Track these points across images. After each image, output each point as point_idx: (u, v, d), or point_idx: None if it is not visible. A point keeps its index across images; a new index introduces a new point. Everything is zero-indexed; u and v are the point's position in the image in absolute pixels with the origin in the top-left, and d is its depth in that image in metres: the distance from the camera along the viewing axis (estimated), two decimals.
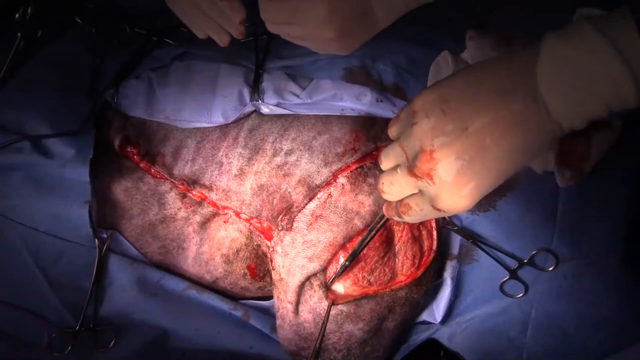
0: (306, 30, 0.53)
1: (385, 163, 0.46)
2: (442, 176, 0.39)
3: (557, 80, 0.37)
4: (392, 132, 0.45)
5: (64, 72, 0.70)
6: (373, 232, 0.59)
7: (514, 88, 0.39)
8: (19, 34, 0.68)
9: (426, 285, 0.63)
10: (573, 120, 0.38)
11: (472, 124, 0.39)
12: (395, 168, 0.44)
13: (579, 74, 0.37)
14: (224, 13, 0.56)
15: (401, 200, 0.45)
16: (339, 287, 0.61)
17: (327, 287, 0.60)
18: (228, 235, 0.66)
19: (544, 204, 0.59)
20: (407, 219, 0.46)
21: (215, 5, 0.55)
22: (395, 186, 0.44)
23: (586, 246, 0.58)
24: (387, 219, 0.58)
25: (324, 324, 0.60)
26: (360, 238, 0.60)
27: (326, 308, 0.60)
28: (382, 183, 0.45)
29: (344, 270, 0.60)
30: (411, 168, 0.41)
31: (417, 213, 0.44)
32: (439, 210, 0.41)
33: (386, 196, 0.46)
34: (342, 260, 0.60)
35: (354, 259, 0.60)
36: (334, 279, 0.60)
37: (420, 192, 0.43)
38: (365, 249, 0.60)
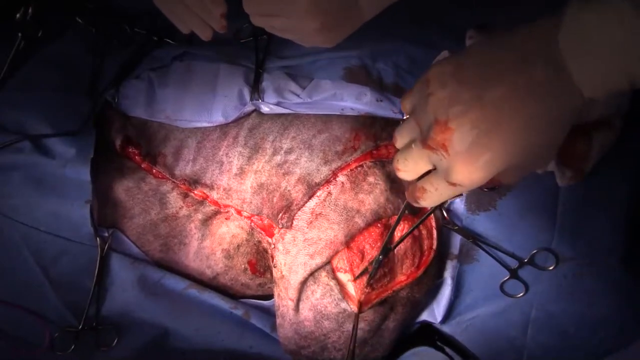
0: (290, 22, 0.53)
1: (400, 140, 0.44)
2: (457, 146, 0.37)
3: (581, 48, 0.35)
4: (406, 106, 0.43)
5: (64, 72, 0.70)
6: (402, 213, 0.57)
7: (535, 55, 0.37)
8: (19, 34, 0.68)
9: (427, 284, 0.63)
10: (595, 88, 0.36)
11: (489, 92, 0.37)
12: (410, 144, 0.42)
13: (604, 43, 0.34)
14: (206, 7, 0.56)
15: (416, 185, 0.43)
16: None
17: (358, 297, 0.60)
18: (229, 231, 0.67)
19: (544, 203, 0.59)
20: (424, 203, 0.43)
21: (198, 0, 0.56)
22: (410, 161, 0.42)
23: (586, 246, 0.58)
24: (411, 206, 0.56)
25: (354, 334, 0.59)
26: (386, 232, 0.59)
27: (330, 306, 0.60)
28: (397, 160, 0.43)
29: (379, 265, 0.59)
30: (425, 140, 0.39)
31: (433, 194, 0.42)
32: (454, 184, 0.39)
33: (401, 174, 0.44)
34: (350, 259, 0.60)
35: (388, 253, 0.59)
36: (371, 276, 0.59)
37: (435, 169, 0.41)
38: (370, 248, 0.60)
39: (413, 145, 0.42)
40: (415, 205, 0.45)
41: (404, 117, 0.65)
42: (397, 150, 0.45)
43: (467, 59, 0.39)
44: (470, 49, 0.40)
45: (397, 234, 0.62)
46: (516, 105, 0.37)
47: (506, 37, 0.39)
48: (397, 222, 0.58)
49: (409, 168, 0.43)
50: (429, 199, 0.43)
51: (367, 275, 0.59)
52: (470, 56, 0.39)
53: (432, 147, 0.39)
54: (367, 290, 0.60)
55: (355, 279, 0.60)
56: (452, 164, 0.38)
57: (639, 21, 0.33)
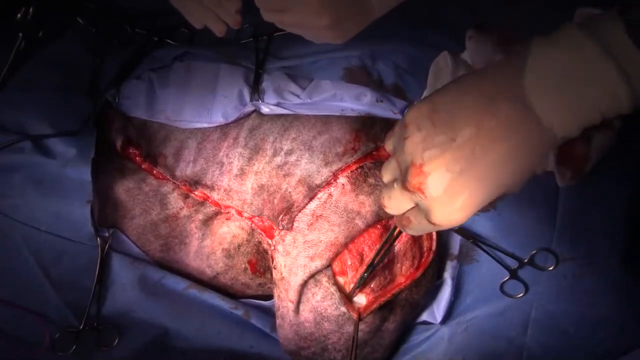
0: (300, 17, 0.53)
1: (385, 177, 0.45)
2: (432, 190, 0.38)
3: (546, 87, 0.36)
4: (388, 146, 0.44)
5: (65, 72, 0.70)
6: (388, 244, 0.59)
7: (501, 95, 0.37)
8: (20, 34, 0.68)
9: (426, 285, 0.63)
10: (567, 128, 0.37)
11: (460, 134, 0.37)
12: (392, 183, 0.43)
13: (569, 80, 0.35)
14: (220, 2, 0.56)
15: (403, 214, 0.44)
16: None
17: (350, 300, 0.60)
18: (230, 231, 0.67)
19: (544, 203, 0.59)
20: (410, 231, 0.45)
21: None
22: (393, 200, 0.43)
23: (586, 246, 0.58)
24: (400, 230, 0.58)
25: (355, 341, 0.59)
26: (373, 251, 0.60)
27: (330, 308, 0.60)
28: (383, 197, 0.44)
29: (364, 282, 0.59)
30: (404, 183, 0.40)
31: (417, 226, 0.43)
32: (434, 224, 0.40)
33: (388, 210, 0.45)
34: (349, 261, 0.60)
35: (372, 270, 0.59)
36: (354, 291, 0.60)
37: (417, 205, 0.42)
38: (369, 250, 0.60)
39: (395, 185, 0.43)
40: (404, 231, 0.46)
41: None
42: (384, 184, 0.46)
43: (440, 100, 0.40)
44: (447, 88, 0.40)
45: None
46: (486, 146, 0.37)
47: (475, 76, 0.39)
48: (389, 245, 0.59)
49: (393, 206, 0.44)
50: (414, 230, 0.44)
51: (362, 283, 0.60)
52: (442, 97, 0.40)
53: (410, 190, 0.40)
54: (368, 297, 0.60)
55: (351, 293, 0.60)
56: (431, 206, 0.39)
57: (602, 56, 0.34)
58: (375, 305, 0.59)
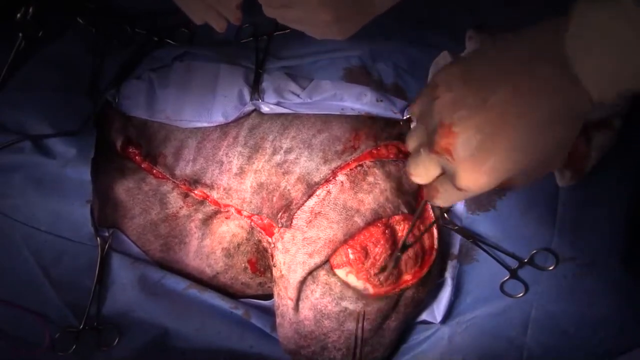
0: (303, 13, 0.53)
1: (410, 145, 0.43)
2: (461, 151, 0.36)
3: (589, 48, 0.34)
4: (415, 110, 0.42)
5: (65, 72, 0.70)
6: (420, 211, 0.58)
7: (540, 55, 0.35)
8: (20, 34, 0.68)
9: (430, 284, 0.63)
10: (605, 91, 0.35)
11: (493, 95, 0.36)
12: (419, 149, 0.42)
13: (614, 43, 0.33)
14: None
15: (431, 184, 0.43)
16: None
17: (362, 293, 0.60)
18: (229, 230, 0.67)
19: (544, 203, 0.59)
20: (437, 202, 0.43)
21: None
22: (420, 166, 0.41)
23: (586, 246, 0.58)
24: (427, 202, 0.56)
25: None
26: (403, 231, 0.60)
27: (330, 305, 0.60)
28: (409, 165, 0.43)
29: (398, 261, 0.58)
30: (431, 145, 0.39)
31: (444, 195, 0.42)
32: (460, 189, 0.38)
33: (414, 178, 0.43)
34: (352, 256, 0.60)
35: (406, 249, 0.58)
36: (389, 271, 0.59)
37: (445, 172, 0.40)
38: (373, 246, 0.60)
39: (421, 150, 0.41)
40: (432, 203, 0.44)
41: (404, 117, 0.65)
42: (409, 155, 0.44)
43: (474, 61, 0.38)
44: (479, 50, 0.39)
45: (399, 234, 0.62)
46: (521, 108, 0.36)
47: (512, 38, 0.38)
48: (415, 220, 0.59)
49: (420, 173, 0.42)
50: (442, 200, 0.42)
51: (373, 269, 0.60)
52: (477, 58, 0.39)
53: (438, 152, 0.38)
54: (377, 284, 0.60)
55: (378, 273, 0.59)
56: (458, 169, 0.37)
57: None
58: (384, 294, 0.59)
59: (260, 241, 0.67)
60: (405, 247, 0.59)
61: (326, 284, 0.60)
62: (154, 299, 0.65)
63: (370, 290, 0.60)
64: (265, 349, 0.67)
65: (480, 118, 0.36)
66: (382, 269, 0.59)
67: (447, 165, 0.39)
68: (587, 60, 0.34)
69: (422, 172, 0.42)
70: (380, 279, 0.60)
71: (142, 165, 0.70)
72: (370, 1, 0.53)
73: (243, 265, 0.66)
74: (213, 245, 0.67)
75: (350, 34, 0.55)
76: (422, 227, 0.62)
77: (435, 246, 0.62)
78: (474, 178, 0.37)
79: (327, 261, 0.61)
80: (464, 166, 0.37)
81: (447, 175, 0.40)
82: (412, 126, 0.44)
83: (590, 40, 0.34)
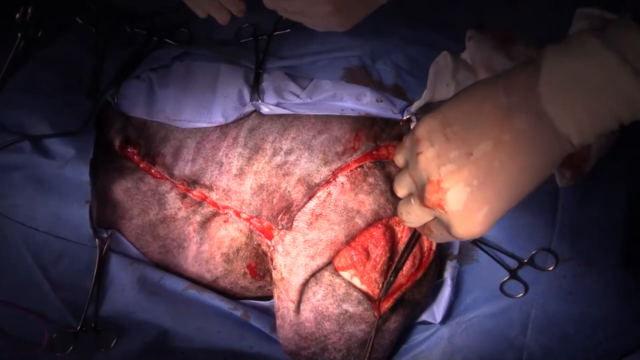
0: (303, 4, 0.52)
1: (399, 192, 0.45)
2: (452, 206, 0.38)
3: (562, 97, 0.36)
4: (399, 160, 0.44)
5: (64, 72, 0.70)
6: (412, 244, 0.59)
7: (517, 106, 0.37)
8: (19, 34, 0.68)
9: (426, 285, 0.63)
10: (584, 136, 0.37)
11: (477, 149, 0.38)
12: (409, 197, 0.44)
13: (585, 89, 0.35)
14: None
15: (425, 225, 0.45)
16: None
17: (378, 301, 0.60)
18: (228, 234, 0.66)
19: (544, 204, 0.59)
20: (432, 240, 0.46)
21: None
22: (412, 215, 0.43)
23: (586, 246, 0.58)
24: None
25: (372, 338, 0.60)
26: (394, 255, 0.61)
27: (331, 307, 0.60)
28: (401, 213, 0.45)
29: (390, 287, 0.60)
30: (422, 199, 0.40)
31: (439, 237, 0.44)
32: (456, 237, 0.41)
33: (407, 224, 0.45)
34: (355, 257, 0.60)
35: (397, 274, 0.60)
36: (382, 295, 0.60)
37: (437, 218, 0.42)
38: (374, 247, 0.60)
39: (412, 201, 0.43)
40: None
41: (404, 118, 0.65)
42: (399, 199, 0.46)
43: (451, 113, 0.39)
44: (456, 101, 0.40)
45: (399, 235, 0.62)
46: (504, 159, 0.37)
47: (487, 88, 0.39)
48: (412, 246, 0.59)
49: (412, 220, 0.44)
50: (436, 239, 0.45)
51: (373, 272, 0.60)
52: (454, 110, 0.40)
53: (429, 207, 0.40)
54: (377, 290, 0.60)
55: (380, 298, 0.60)
56: (451, 221, 0.39)
57: (620, 65, 0.34)
58: (387, 305, 0.60)
59: (259, 245, 0.67)
60: (397, 271, 0.60)
61: (330, 285, 0.60)
62: (154, 300, 0.65)
63: (372, 296, 0.60)
64: (265, 349, 0.67)
65: (467, 172, 0.38)
66: (387, 285, 0.60)
67: (440, 217, 0.40)
68: (562, 109, 0.36)
69: (415, 220, 0.44)
70: (380, 285, 0.60)
71: (141, 165, 0.70)
72: None
73: (242, 270, 0.66)
74: (212, 251, 0.66)
75: (351, 26, 0.55)
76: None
77: (434, 248, 0.62)
78: (469, 228, 0.39)
79: (330, 263, 0.61)
80: (457, 218, 0.39)
81: (441, 223, 0.42)
82: (397, 175, 0.45)
83: (563, 90, 0.36)
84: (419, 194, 0.41)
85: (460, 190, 0.38)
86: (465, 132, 0.38)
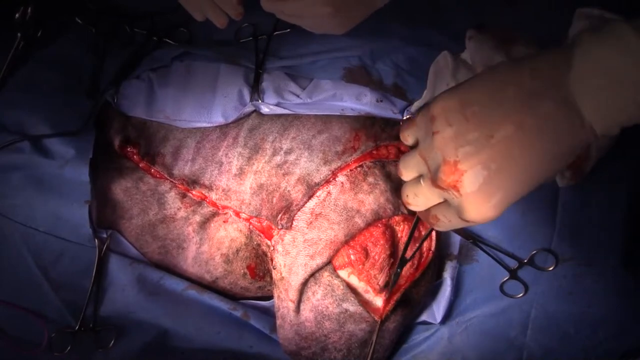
0: (302, 6, 0.52)
1: (406, 173, 0.43)
2: (468, 187, 0.37)
3: (594, 85, 0.35)
4: (408, 138, 0.43)
5: (64, 72, 0.70)
6: (413, 230, 0.59)
7: (543, 91, 0.36)
8: (19, 34, 0.68)
9: (425, 285, 0.63)
10: (609, 126, 0.36)
11: (498, 132, 0.36)
12: (417, 178, 0.42)
13: (618, 80, 0.34)
14: None
15: (429, 211, 0.43)
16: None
17: (387, 299, 0.60)
18: (228, 235, 0.66)
19: (544, 203, 0.59)
20: (437, 228, 0.44)
21: None
22: (421, 197, 0.42)
23: (586, 246, 0.58)
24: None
25: (373, 341, 0.60)
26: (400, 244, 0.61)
27: (331, 306, 0.60)
28: (407, 195, 0.43)
29: (398, 278, 0.59)
30: (435, 180, 0.39)
31: (446, 224, 0.42)
32: (467, 221, 0.39)
33: (412, 207, 0.44)
34: (353, 256, 0.60)
35: (404, 264, 0.59)
36: (391, 287, 0.60)
37: (447, 202, 0.41)
38: (373, 245, 0.60)
39: (422, 182, 0.41)
40: (431, 226, 0.46)
41: (404, 118, 0.64)
42: (404, 182, 0.44)
43: (472, 93, 0.38)
44: (476, 81, 0.39)
45: (399, 235, 0.62)
46: (525, 144, 0.36)
47: (512, 70, 0.38)
48: (411, 235, 0.59)
49: (420, 203, 0.43)
50: (442, 226, 0.43)
51: (373, 270, 0.60)
52: (474, 90, 0.39)
53: (443, 188, 0.39)
54: (377, 287, 0.60)
55: (388, 298, 0.60)
56: (464, 204, 0.38)
57: None
58: (389, 307, 0.60)
59: (259, 245, 0.67)
60: (404, 262, 0.59)
61: (329, 285, 0.60)
62: (153, 300, 0.65)
63: (371, 292, 0.60)
64: (265, 350, 0.67)
65: (486, 154, 0.37)
66: (385, 285, 0.60)
67: (452, 199, 0.39)
68: (592, 99, 0.35)
69: (422, 202, 0.42)
70: (380, 282, 0.60)
71: (140, 165, 0.70)
72: None
73: (242, 270, 0.66)
74: (212, 252, 0.66)
75: (349, 28, 0.55)
76: (421, 230, 0.63)
77: (433, 248, 0.62)
78: (482, 212, 0.38)
79: (329, 262, 0.61)
80: (471, 201, 0.38)
81: (450, 206, 0.40)
82: (405, 156, 0.43)
83: (595, 79, 0.35)
84: (432, 174, 0.39)
85: (478, 173, 0.37)
86: (486, 114, 0.37)
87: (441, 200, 0.41)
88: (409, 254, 0.60)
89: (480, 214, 0.38)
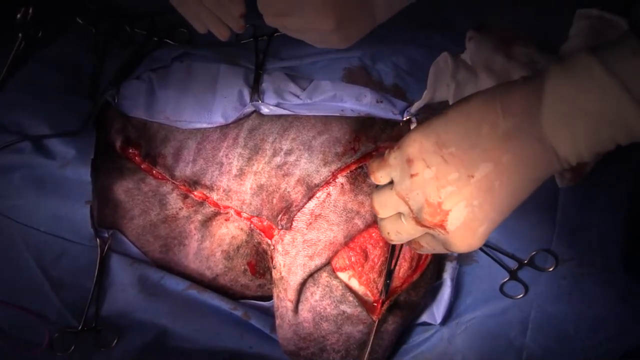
0: (304, 21, 0.52)
1: (383, 212, 0.45)
2: (453, 225, 0.39)
3: (565, 119, 0.37)
4: (380, 178, 0.44)
5: (65, 73, 0.70)
6: (397, 250, 0.60)
7: (516, 132, 0.38)
8: (19, 35, 0.68)
9: (424, 287, 0.63)
10: (582, 156, 0.38)
11: (477, 171, 0.38)
12: (397, 217, 0.44)
13: (586, 112, 0.36)
14: (224, 6, 0.56)
15: (413, 240, 0.45)
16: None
17: (383, 302, 0.61)
18: (229, 232, 0.67)
19: (543, 204, 0.59)
20: (421, 252, 0.46)
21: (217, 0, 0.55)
22: (404, 235, 0.44)
23: (586, 247, 0.58)
24: None
25: (371, 339, 0.60)
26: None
27: (329, 307, 0.60)
28: (388, 232, 0.45)
29: (388, 288, 0.60)
30: (419, 220, 0.41)
31: (430, 250, 0.45)
32: (452, 251, 0.42)
33: (394, 242, 0.46)
34: (353, 258, 0.60)
35: (391, 276, 0.60)
36: (384, 301, 0.60)
37: (431, 234, 0.42)
38: (372, 247, 0.60)
39: (403, 220, 0.43)
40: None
41: (404, 119, 0.64)
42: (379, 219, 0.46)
43: (447, 134, 0.40)
44: (448, 119, 0.40)
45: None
46: (504, 178, 0.38)
47: (484, 106, 0.39)
48: (393, 259, 0.60)
49: (403, 239, 0.45)
50: (426, 252, 0.46)
51: (372, 273, 0.60)
52: (449, 130, 0.40)
53: (429, 227, 0.41)
54: (376, 292, 0.60)
55: (383, 302, 0.60)
56: (451, 239, 0.40)
57: (621, 92, 0.34)
58: (383, 308, 0.60)
59: (259, 243, 0.67)
60: (390, 273, 0.60)
61: (327, 286, 0.60)
62: (154, 300, 0.65)
63: (370, 296, 0.60)
64: (265, 350, 0.67)
65: (468, 192, 0.39)
66: (385, 287, 0.61)
67: (437, 235, 0.41)
68: (563, 132, 0.37)
69: (405, 238, 0.44)
70: (379, 287, 0.60)
71: (142, 166, 0.70)
72: (372, 10, 0.53)
73: (243, 267, 0.66)
74: (213, 248, 0.67)
75: (351, 43, 0.55)
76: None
77: None
78: (468, 244, 0.40)
79: (327, 263, 0.61)
80: (457, 236, 0.40)
81: (434, 237, 0.42)
82: (378, 195, 0.44)
83: (565, 113, 0.36)
84: (415, 214, 0.41)
85: (462, 210, 0.39)
86: (463, 154, 0.39)
87: (423, 233, 0.43)
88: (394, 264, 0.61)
89: (466, 246, 0.40)
